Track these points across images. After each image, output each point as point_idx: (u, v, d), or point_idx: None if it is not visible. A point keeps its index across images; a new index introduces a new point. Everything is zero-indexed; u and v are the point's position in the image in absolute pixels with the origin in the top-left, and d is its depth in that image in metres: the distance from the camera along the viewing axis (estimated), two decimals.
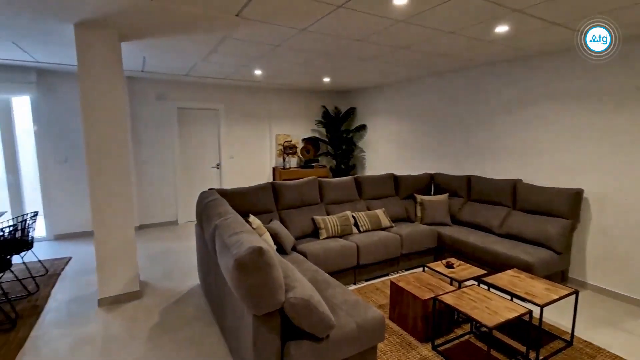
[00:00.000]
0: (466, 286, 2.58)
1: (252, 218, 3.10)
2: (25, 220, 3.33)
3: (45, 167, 4.83)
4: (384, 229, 3.85)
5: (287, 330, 1.82)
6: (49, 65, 4.34)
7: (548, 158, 3.66)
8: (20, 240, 3.26)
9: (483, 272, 2.88)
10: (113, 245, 3.05)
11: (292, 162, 6.58)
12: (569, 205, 3.29)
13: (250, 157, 6.36)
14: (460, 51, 3.53)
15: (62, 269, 3.84)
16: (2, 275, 3.24)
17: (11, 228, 3.12)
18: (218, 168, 6.14)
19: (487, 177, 4.14)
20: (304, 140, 6.70)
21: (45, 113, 4.75)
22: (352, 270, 3.43)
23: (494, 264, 3.32)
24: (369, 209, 4.12)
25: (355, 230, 3.71)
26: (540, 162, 3.74)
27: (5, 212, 4.03)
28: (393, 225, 3.97)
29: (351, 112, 6.71)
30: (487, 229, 3.85)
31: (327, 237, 3.51)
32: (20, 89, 4.50)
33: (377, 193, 4.32)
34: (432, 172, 4.95)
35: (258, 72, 4.73)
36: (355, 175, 4.36)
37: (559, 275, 3.38)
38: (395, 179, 4.53)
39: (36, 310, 2.95)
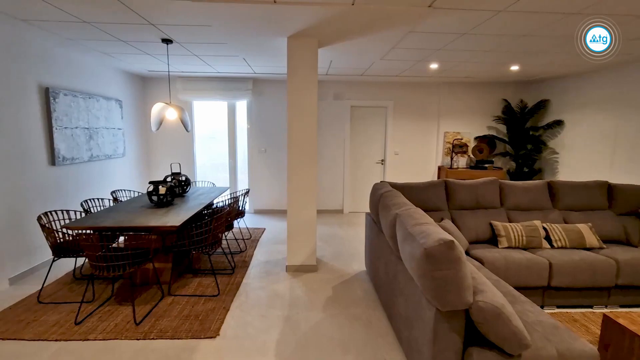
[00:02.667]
0: None
1: None
2: (241, 195, 4.33)
3: (252, 155, 6.16)
4: (588, 249, 3.07)
5: (469, 334, 1.69)
6: (260, 75, 5.48)
7: None
8: (237, 210, 4.27)
9: None
10: (300, 222, 3.59)
11: (461, 162, 6.08)
12: None
13: (415, 155, 6.26)
14: None
15: (260, 237, 4.82)
16: (227, 234, 4.35)
17: (232, 200, 4.13)
18: (382, 164, 6.32)
19: None
20: (477, 138, 6.08)
21: (254, 113, 6.05)
22: (540, 291, 2.89)
23: None
24: (566, 222, 3.37)
25: (545, 244, 3.11)
26: None
27: (228, 188, 5.36)
28: (604, 246, 3.11)
29: (541, 105, 5.62)
30: None
31: (508, 247, 3.07)
32: (242, 95, 5.86)
33: (580, 204, 3.47)
34: None
35: (434, 65, 4.57)
36: (549, 180, 3.63)
37: None
38: (609, 189, 3.53)
39: (245, 264, 3.80)
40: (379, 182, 3.42)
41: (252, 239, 4.70)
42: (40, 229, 3.52)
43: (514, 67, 4.65)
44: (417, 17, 2.68)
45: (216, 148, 6.42)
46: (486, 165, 5.86)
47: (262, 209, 6.29)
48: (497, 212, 3.40)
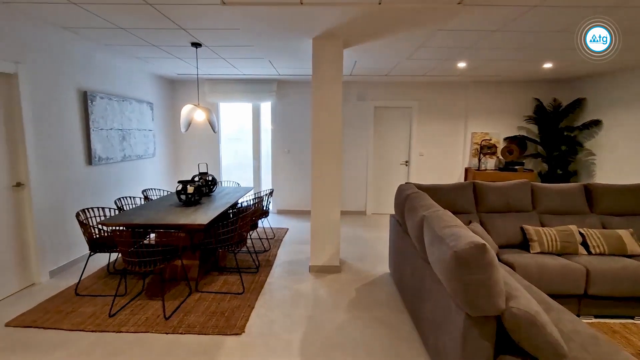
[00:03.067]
0: None
1: None
2: (265, 195, 4.39)
3: (275, 156, 6.24)
4: (629, 256, 2.89)
5: (500, 341, 1.63)
6: (285, 76, 5.54)
7: None
8: (262, 209, 4.33)
9: None
10: (324, 223, 3.59)
11: (490, 163, 5.89)
12: None
13: (441, 156, 6.12)
14: None
15: (283, 237, 4.86)
16: (252, 233, 4.43)
17: (257, 200, 4.20)
18: (406, 165, 6.22)
19: None
20: (506, 139, 5.87)
21: (278, 114, 6.12)
22: (576, 299, 2.74)
23: None
24: (604, 227, 3.19)
25: (582, 250, 2.95)
26: None
27: (252, 188, 5.45)
28: None
29: (577, 104, 5.35)
30: None
31: (541, 252, 2.94)
32: (267, 97, 5.95)
33: (620, 208, 3.27)
34: None
35: (462, 64, 4.45)
36: (586, 183, 3.45)
37: None
38: None
39: (269, 263, 3.85)
40: (404, 183, 3.37)
41: (275, 238, 4.75)
42: (77, 225, 3.72)
43: (548, 65, 4.45)
44: (447, 15, 2.62)
45: (241, 149, 6.55)
46: (516, 167, 5.64)
47: (285, 209, 6.34)
48: (529, 215, 3.26)
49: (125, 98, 4.63)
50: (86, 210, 3.21)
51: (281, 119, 6.13)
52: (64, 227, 3.65)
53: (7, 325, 2.61)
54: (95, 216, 3.32)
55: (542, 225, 3.21)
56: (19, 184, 3.16)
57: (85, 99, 3.90)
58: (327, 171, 3.52)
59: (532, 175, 5.52)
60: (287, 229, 5.24)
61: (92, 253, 3.10)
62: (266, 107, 6.22)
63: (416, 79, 5.64)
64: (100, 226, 3.17)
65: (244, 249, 3.97)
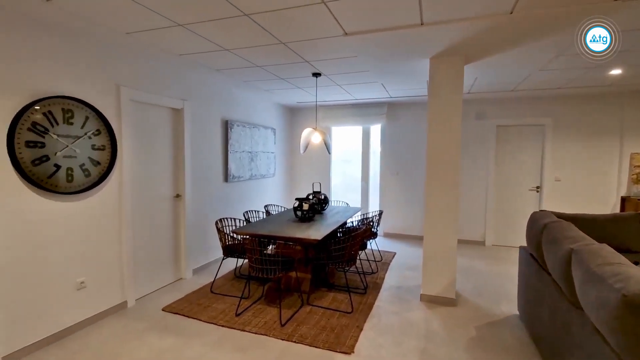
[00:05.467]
0: None
1: None
2: (375, 216, 4.38)
3: (384, 178, 6.21)
4: None
5: None
6: (395, 99, 5.55)
7: None
8: (371, 231, 4.32)
9: None
10: (438, 250, 3.36)
11: None
12: None
13: (585, 181, 5.09)
14: None
15: (391, 260, 4.72)
16: (361, 253, 4.45)
17: (368, 220, 4.22)
18: (537, 191, 5.37)
19: None
20: None
21: (387, 137, 6.13)
22: None
23: None
24: None
25: None
26: None
27: (360, 208, 5.52)
28: None
29: None
30: None
31: None
32: (377, 119, 6.05)
33: None
34: None
35: (615, 72, 3.70)
36: None
37: None
38: None
39: (377, 286, 3.77)
40: (538, 211, 2.91)
41: (382, 261, 4.65)
42: (214, 231, 4.38)
43: None
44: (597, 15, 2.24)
45: (349, 170, 6.76)
46: None
47: (391, 232, 6.19)
48: None
49: (254, 125, 5.36)
50: (222, 220, 3.76)
51: (390, 141, 6.12)
52: (205, 233, 4.34)
53: (163, 310, 3.20)
54: (228, 225, 3.86)
55: None
56: (178, 196, 3.93)
57: (227, 127, 4.67)
58: (443, 194, 3.31)
59: None
60: (395, 253, 5.08)
61: (225, 257, 3.59)
62: (376, 130, 6.31)
63: (550, 92, 4.92)
64: (233, 234, 3.67)
65: (353, 268, 4.02)
